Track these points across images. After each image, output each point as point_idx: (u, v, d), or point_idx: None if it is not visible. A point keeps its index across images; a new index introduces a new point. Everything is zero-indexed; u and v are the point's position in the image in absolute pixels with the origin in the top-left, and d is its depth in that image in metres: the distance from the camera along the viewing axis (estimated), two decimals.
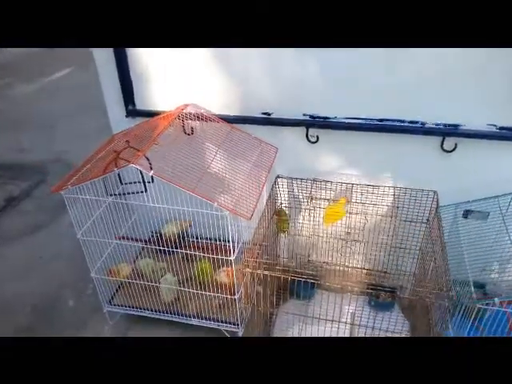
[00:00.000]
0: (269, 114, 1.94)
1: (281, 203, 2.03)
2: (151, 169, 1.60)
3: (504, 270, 1.80)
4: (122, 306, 2.08)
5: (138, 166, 1.56)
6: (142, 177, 1.92)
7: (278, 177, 1.95)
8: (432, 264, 1.74)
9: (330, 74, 1.79)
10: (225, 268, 1.91)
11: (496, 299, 1.36)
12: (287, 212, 2.05)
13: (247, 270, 1.45)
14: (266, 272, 1.46)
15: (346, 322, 1.87)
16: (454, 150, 1.83)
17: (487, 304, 1.39)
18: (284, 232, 2.07)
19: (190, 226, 2.13)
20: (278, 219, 2.02)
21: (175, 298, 2.03)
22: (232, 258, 1.70)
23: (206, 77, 1.93)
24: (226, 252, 1.75)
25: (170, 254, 2.02)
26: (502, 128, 1.74)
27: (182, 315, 2.00)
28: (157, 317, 2.04)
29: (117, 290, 2.14)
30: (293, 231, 2.11)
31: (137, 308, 2.06)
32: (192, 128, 2.04)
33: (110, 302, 2.09)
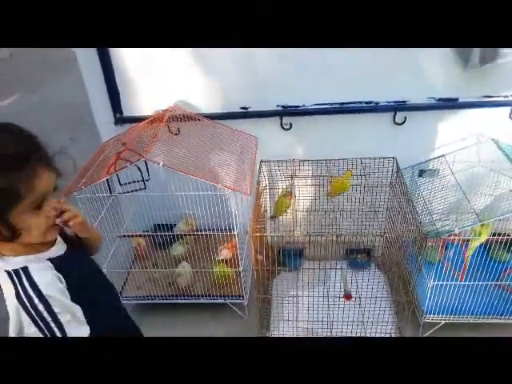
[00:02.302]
0: (246, 109, 2.22)
1: (266, 185, 2.30)
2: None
3: (458, 216, 2.17)
4: (132, 297, 2.26)
5: (149, 159, 1.78)
6: (142, 174, 2.12)
7: (261, 161, 2.22)
8: (400, 217, 2.08)
9: (297, 67, 2.09)
10: (225, 244, 2.15)
11: (456, 229, 1.70)
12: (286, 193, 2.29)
13: (257, 234, 1.71)
14: (273, 234, 1.72)
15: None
16: (404, 122, 2.20)
17: (450, 235, 1.73)
18: (282, 214, 2.31)
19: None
20: (280, 201, 2.26)
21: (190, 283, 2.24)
22: (235, 232, 1.95)
23: (187, 79, 2.17)
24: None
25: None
26: (439, 99, 2.14)
27: (191, 296, 2.22)
28: (166, 302, 2.24)
29: (124, 283, 2.31)
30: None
31: (146, 297, 2.24)
32: (178, 128, 2.27)
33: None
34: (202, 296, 2.21)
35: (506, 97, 2.14)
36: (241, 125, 2.23)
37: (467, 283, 1.98)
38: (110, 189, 2.07)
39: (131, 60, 2.15)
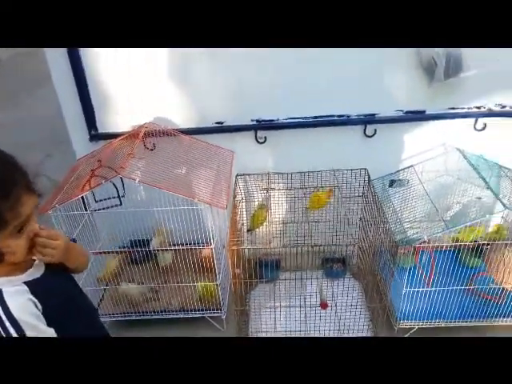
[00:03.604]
0: (221, 123, 2.25)
1: (242, 198, 2.33)
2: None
3: (427, 224, 2.25)
4: (108, 314, 2.24)
5: (125, 176, 1.78)
6: (117, 191, 2.12)
7: (237, 175, 2.26)
8: (373, 226, 2.14)
9: (270, 81, 2.14)
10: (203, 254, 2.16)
11: (425, 236, 1.77)
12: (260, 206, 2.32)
13: (233, 247, 1.73)
14: (250, 247, 1.75)
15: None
16: (374, 134, 2.27)
17: (421, 242, 1.80)
18: (259, 226, 2.34)
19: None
20: (257, 214, 2.29)
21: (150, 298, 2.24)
22: (212, 246, 1.97)
23: (162, 94, 2.19)
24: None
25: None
26: (407, 112, 2.22)
27: (168, 311, 2.22)
28: (144, 318, 2.23)
29: (100, 300, 2.29)
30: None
31: (122, 313, 2.23)
32: (154, 144, 2.28)
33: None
34: (180, 311, 2.21)
35: (469, 108, 2.24)
36: (216, 139, 2.26)
37: (439, 289, 2.04)
38: (85, 206, 2.06)
39: (106, 76, 2.15)
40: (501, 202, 1.73)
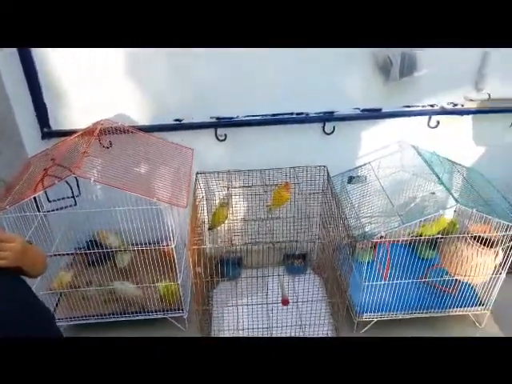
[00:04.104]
0: (180, 121, 2.22)
1: (202, 196, 2.31)
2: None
3: (384, 219, 2.31)
4: (65, 318, 2.16)
5: (80, 176, 1.72)
6: (72, 191, 2.04)
7: (197, 173, 2.23)
8: (332, 222, 2.17)
9: (230, 79, 2.12)
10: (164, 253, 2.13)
11: (382, 232, 1.82)
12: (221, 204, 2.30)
13: (194, 246, 1.71)
14: (210, 245, 1.74)
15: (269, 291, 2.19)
16: (333, 132, 2.30)
17: (377, 237, 1.84)
18: (220, 224, 2.32)
19: None
20: (218, 212, 2.28)
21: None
22: (172, 245, 1.94)
23: (118, 91, 2.13)
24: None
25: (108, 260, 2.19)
26: (364, 110, 2.27)
27: (129, 313, 2.17)
28: (103, 321, 2.17)
29: (56, 305, 2.21)
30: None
31: (81, 317, 2.16)
32: (110, 142, 2.22)
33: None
34: (141, 312, 2.17)
35: (423, 106, 2.31)
36: (176, 137, 2.23)
37: (396, 282, 2.10)
38: (37, 207, 1.98)
39: (60, 72, 2.07)
40: (452, 196, 1.80)
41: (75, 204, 2.07)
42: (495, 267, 2.03)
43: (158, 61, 2.07)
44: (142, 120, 2.22)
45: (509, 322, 2.25)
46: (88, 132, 2.11)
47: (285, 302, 1.96)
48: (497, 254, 1.96)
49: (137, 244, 2.10)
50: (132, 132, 2.17)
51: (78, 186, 2.08)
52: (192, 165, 2.17)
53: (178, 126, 2.22)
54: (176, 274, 2.06)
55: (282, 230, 2.47)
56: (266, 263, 2.30)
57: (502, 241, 1.96)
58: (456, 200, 1.77)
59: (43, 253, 1.27)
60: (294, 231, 2.48)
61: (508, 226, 1.87)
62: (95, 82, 2.10)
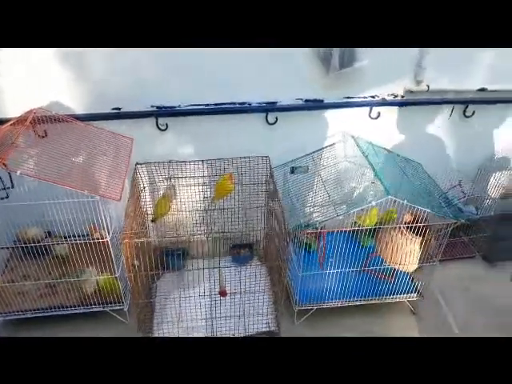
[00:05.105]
0: (119, 109, 2.16)
1: (143, 187, 2.27)
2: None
3: (325, 209, 2.34)
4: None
5: (6, 168, 1.65)
6: (2, 183, 1.96)
7: (137, 164, 2.18)
8: (273, 214, 2.18)
9: (171, 68, 2.07)
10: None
11: (317, 224, 1.84)
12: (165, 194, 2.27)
13: (127, 240, 1.68)
14: (144, 239, 1.71)
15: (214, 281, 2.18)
16: (276, 122, 2.30)
17: (312, 228, 1.87)
18: (163, 216, 2.29)
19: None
20: (160, 204, 2.24)
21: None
22: (108, 238, 1.90)
23: (53, 78, 2.05)
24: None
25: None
26: (307, 100, 2.28)
27: (65, 307, 2.12)
28: (41, 315, 2.11)
29: None
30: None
31: (16, 312, 2.10)
32: (45, 131, 2.13)
33: None
34: (79, 306, 2.13)
35: (365, 98, 2.34)
36: (114, 126, 2.17)
37: (334, 271, 2.14)
38: None
39: None
40: (384, 187, 1.83)
41: (7, 197, 2.00)
42: (428, 255, 2.10)
43: (93, 51, 1.99)
44: (79, 108, 2.15)
45: (442, 309, 2.35)
46: (20, 121, 2.02)
47: (222, 294, 1.97)
48: (427, 243, 2.02)
49: (74, 236, 2.05)
50: (68, 121, 2.09)
51: (11, 178, 2.01)
52: (131, 155, 2.12)
53: (117, 115, 2.17)
54: (113, 268, 2.03)
55: (228, 220, 2.47)
56: (212, 254, 2.30)
57: (436, 230, 2.03)
58: (387, 191, 1.80)
59: None
60: (240, 221, 2.48)
61: (438, 215, 1.93)
62: (28, 70, 2.01)
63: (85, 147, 2.05)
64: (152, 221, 2.32)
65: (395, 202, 2.03)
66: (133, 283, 1.89)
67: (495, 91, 2.41)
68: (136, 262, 1.94)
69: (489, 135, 2.64)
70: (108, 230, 1.89)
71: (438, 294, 2.39)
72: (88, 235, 2.03)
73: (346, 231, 2.31)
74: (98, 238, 1.92)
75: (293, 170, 2.31)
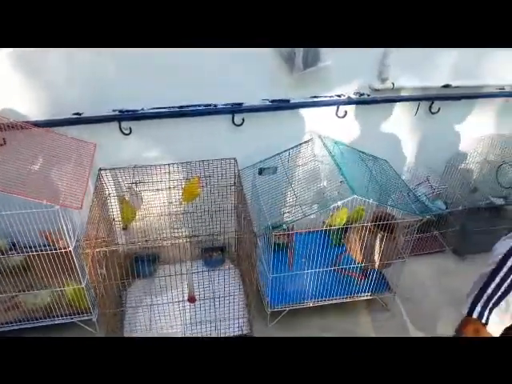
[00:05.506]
0: (80, 114, 2.10)
1: (109, 194, 2.21)
2: None
3: (296, 208, 2.33)
4: None
5: None
6: None
7: (100, 169, 2.13)
8: (242, 217, 2.16)
9: (134, 71, 2.02)
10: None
11: (284, 226, 1.82)
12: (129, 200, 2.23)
13: (88, 250, 1.63)
14: (106, 248, 1.67)
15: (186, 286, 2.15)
16: (242, 123, 2.28)
17: (280, 230, 1.85)
18: (130, 222, 2.24)
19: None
20: (124, 210, 2.19)
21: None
22: (70, 248, 1.84)
23: (9, 83, 1.98)
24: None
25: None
26: (273, 101, 2.26)
27: (30, 320, 2.05)
28: (6, 329, 2.04)
29: None
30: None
31: None
32: (4, 139, 2.06)
33: None
34: (46, 318, 2.06)
35: (331, 97, 2.33)
36: (77, 131, 2.10)
37: (305, 272, 2.13)
38: None
39: None
40: (350, 187, 1.83)
41: None
42: (397, 251, 2.10)
43: (50, 53, 1.93)
44: (38, 115, 2.07)
45: (415, 304, 2.36)
46: None
47: (191, 300, 1.94)
48: (395, 239, 2.03)
49: (37, 246, 1.98)
50: (26, 128, 2.02)
51: None
52: (93, 160, 2.06)
53: (78, 120, 2.10)
54: (79, 277, 1.97)
55: (198, 223, 2.43)
56: (183, 258, 2.26)
57: (403, 226, 2.03)
58: (353, 190, 1.80)
59: None
60: (211, 224, 2.45)
61: (405, 212, 1.94)
62: None
63: (45, 155, 1.98)
64: (123, 228, 2.27)
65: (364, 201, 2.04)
66: (99, 293, 1.84)
67: (458, 87, 2.43)
68: (102, 271, 1.90)
69: (455, 130, 2.67)
70: (70, 239, 1.83)
71: (410, 289, 2.41)
72: (50, 245, 1.97)
73: (317, 231, 2.32)
74: (60, 248, 1.86)
75: (261, 171, 2.29)
